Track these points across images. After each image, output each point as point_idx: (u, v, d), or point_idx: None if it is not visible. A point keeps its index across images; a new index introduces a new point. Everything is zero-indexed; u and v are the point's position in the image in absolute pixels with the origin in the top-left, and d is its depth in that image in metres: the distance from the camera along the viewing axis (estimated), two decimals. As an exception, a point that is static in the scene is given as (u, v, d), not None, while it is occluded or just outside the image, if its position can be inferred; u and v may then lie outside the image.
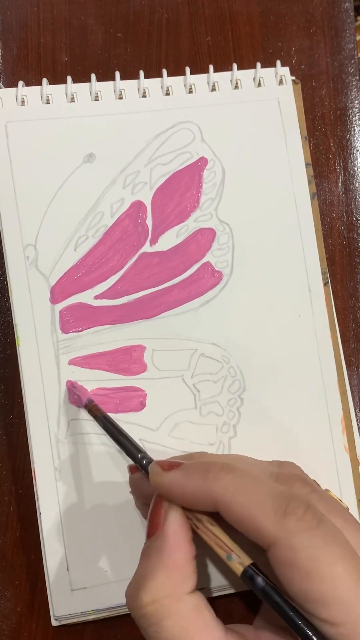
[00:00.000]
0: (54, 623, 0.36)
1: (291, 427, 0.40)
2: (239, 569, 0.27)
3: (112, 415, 0.37)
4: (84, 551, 0.36)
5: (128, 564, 0.36)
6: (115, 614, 0.37)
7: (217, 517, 0.29)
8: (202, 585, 0.36)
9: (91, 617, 0.36)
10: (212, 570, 0.36)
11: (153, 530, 0.29)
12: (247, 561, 0.27)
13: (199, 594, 0.28)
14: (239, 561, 0.27)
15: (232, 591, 0.37)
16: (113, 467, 0.37)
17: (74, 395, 0.37)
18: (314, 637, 0.25)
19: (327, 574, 0.25)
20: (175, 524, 0.29)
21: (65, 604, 0.36)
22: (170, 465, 0.30)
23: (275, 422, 0.39)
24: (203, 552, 0.33)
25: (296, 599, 0.26)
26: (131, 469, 0.35)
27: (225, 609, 0.38)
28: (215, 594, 0.36)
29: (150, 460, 0.32)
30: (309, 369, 0.40)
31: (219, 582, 0.36)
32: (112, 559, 0.36)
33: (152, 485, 0.30)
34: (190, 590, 0.28)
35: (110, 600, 0.36)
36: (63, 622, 0.36)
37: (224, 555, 0.28)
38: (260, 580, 0.27)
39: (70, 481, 0.37)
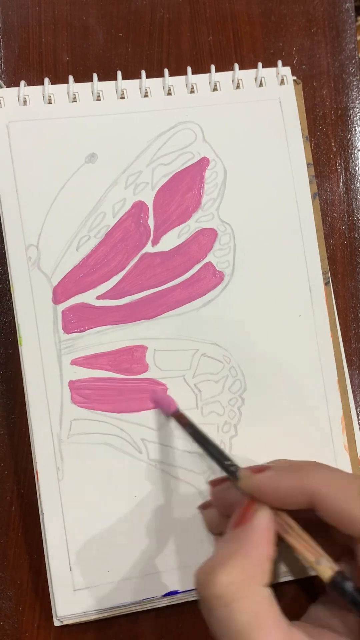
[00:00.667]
0: (56, 623, 0.36)
1: (292, 426, 0.40)
2: (328, 573, 0.28)
3: (114, 415, 0.38)
4: (86, 551, 0.36)
5: (130, 564, 0.37)
6: (117, 614, 0.37)
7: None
8: None
9: (93, 617, 0.36)
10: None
11: (240, 522, 0.29)
12: (336, 567, 0.28)
13: (270, 589, 0.28)
14: (329, 566, 0.28)
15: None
16: (115, 466, 0.37)
17: (162, 402, 0.38)
18: None
19: None
20: (264, 521, 0.29)
21: (68, 604, 0.36)
22: (260, 468, 0.31)
23: (275, 421, 0.40)
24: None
25: None
26: (213, 483, 0.35)
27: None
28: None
29: (237, 467, 0.32)
30: (310, 369, 0.40)
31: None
32: (114, 559, 0.36)
33: (242, 489, 0.31)
34: (264, 585, 0.28)
35: (113, 600, 0.36)
36: (65, 622, 0.36)
37: (312, 559, 0.29)
38: (349, 585, 0.28)
39: (72, 481, 0.37)
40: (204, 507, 0.37)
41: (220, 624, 0.27)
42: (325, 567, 0.28)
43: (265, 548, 0.29)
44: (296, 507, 0.30)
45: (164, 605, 0.37)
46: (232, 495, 0.33)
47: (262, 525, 0.29)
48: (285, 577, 0.38)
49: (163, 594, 0.37)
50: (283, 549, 0.30)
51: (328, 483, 0.29)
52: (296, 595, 0.39)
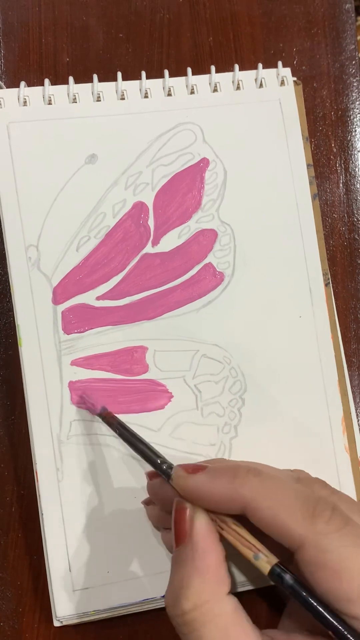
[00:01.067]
0: (56, 624, 0.36)
1: (292, 428, 0.40)
2: (266, 567, 0.28)
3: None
4: (85, 552, 0.36)
5: (130, 565, 0.37)
6: (116, 614, 0.37)
7: (239, 518, 0.29)
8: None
9: (93, 618, 0.36)
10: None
11: (181, 537, 0.29)
12: (274, 560, 0.28)
13: (234, 598, 0.28)
14: (267, 560, 0.28)
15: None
16: (115, 467, 0.37)
17: (88, 404, 0.37)
18: (345, 631, 0.26)
19: (357, 572, 0.26)
20: (202, 528, 0.29)
21: (67, 604, 0.36)
22: (194, 468, 0.30)
23: (276, 422, 0.40)
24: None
25: (325, 598, 0.26)
26: (150, 475, 0.34)
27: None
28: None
29: (170, 465, 0.32)
30: (310, 370, 0.40)
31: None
32: (114, 560, 0.36)
33: (175, 488, 0.30)
34: (227, 593, 0.28)
35: (112, 600, 0.36)
36: (65, 623, 0.36)
37: (250, 555, 0.28)
38: (288, 577, 0.27)
39: (72, 482, 0.37)
40: (146, 503, 0.37)
41: None
42: (263, 561, 0.28)
43: (213, 556, 0.28)
44: (231, 512, 0.29)
45: (164, 606, 0.37)
46: (167, 492, 0.32)
47: (202, 533, 0.28)
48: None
49: (162, 595, 0.37)
50: (238, 559, 0.30)
51: (261, 491, 0.28)
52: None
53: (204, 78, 0.42)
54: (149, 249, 0.39)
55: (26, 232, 0.38)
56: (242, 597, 0.37)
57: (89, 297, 0.38)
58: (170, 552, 0.36)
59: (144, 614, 0.37)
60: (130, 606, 0.36)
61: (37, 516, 0.37)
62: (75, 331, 0.38)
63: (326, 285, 0.41)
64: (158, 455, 0.33)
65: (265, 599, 0.39)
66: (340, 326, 0.42)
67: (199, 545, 0.28)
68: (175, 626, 0.28)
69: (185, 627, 0.27)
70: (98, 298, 0.38)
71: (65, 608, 0.36)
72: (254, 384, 0.40)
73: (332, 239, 0.45)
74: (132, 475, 0.37)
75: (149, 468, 0.37)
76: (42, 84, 0.40)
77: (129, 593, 0.36)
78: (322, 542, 0.26)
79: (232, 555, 0.31)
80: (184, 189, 0.40)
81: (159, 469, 0.32)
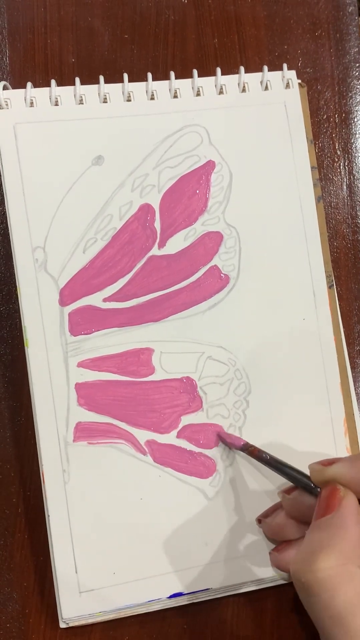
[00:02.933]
0: (62, 625, 0.36)
1: (295, 429, 0.40)
2: None
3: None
4: (92, 553, 0.36)
5: (136, 566, 0.37)
6: (123, 616, 0.37)
7: None
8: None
9: (99, 619, 0.36)
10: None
11: (327, 509, 0.30)
12: None
13: None
14: None
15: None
16: (121, 469, 0.37)
17: (228, 441, 0.38)
18: None
19: None
20: (352, 505, 0.30)
21: (73, 606, 0.36)
22: (329, 461, 0.32)
23: (279, 423, 0.40)
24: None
25: None
26: (287, 491, 0.36)
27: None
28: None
29: (309, 478, 0.33)
30: (313, 372, 0.41)
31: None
32: (120, 561, 0.37)
33: (319, 484, 0.32)
34: None
35: (118, 602, 0.36)
36: (71, 624, 0.36)
37: None
38: None
39: (78, 483, 0.37)
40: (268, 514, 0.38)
41: (322, 608, 0.27)
42: None
43: (357, 531, 0.29)
44: None
45: (169, 607, 0.37)
46: (307, 501, 0.34)
47: (352, 508, 0.30)
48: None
49: (168, 596, 0.37)
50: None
51: None
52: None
53: (209, 80, 0.42)
54: (155, 251, 0.39)
55: (33, 233, 0.38)
56: (245, 596, 0.38)
57: (95, 299, 0.38)
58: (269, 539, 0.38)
59: (150, 615, 0.38)
60: (137, 607, 0.37)
61: (43, 517, 0.37)
62: (82, 333, 0.38)
63: (330, 287, 0.41)
64: (305, 475, 0.34)
65: (268, 598, 0.39)
66: (344, 328, 0.42)
67: (347, 518, 0.29)
68: (304, 586, 0.28)
69: (316, 586, 0.27)
70: (105, 300, 0.39)
71: (71, 609, 0.36)
72: (258, 386, 0.40)
73: (336, 240, 0.45)
74: (138, 477, 0.37)
75: (155, 470, 0.38)
76: (48, 85, 0.39)
77: (135, 594, 0.37)
78: None
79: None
80: (190, 192, 0.40)
81: (308, 488, 0.33)
